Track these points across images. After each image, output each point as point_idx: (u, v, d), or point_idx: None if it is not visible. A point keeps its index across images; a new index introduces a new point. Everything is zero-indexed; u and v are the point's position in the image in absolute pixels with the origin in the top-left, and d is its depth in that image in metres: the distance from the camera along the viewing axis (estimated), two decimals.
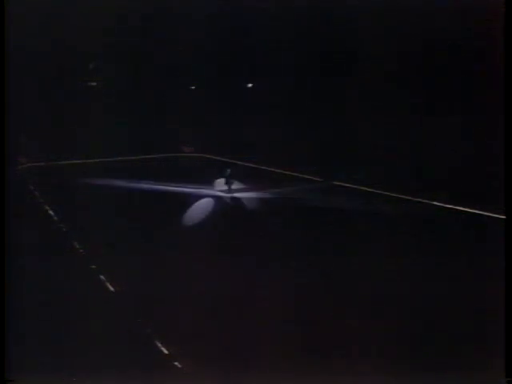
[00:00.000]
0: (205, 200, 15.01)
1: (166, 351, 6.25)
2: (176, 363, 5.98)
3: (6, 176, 7.02)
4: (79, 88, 23.63)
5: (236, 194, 15.73)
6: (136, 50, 23.02)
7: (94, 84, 24.35)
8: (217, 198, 15.28)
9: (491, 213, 12.09)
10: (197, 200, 14.84)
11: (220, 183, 16.28)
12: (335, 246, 10.55)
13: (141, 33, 22.37)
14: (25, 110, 20.10)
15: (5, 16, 6.98)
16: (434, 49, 15.42)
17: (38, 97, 21.72)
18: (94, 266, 9.25)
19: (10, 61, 7.93)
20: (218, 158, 23.03)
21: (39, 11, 19.03)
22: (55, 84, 22.29)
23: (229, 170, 16.20)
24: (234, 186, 16.03)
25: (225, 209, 14.21)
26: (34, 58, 21.03)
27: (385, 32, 16.34)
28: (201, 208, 14.01)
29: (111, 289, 8.27)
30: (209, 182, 16.90)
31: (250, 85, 23.56)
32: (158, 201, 15.36)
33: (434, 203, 13.83)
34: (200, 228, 12.09)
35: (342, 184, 17.14)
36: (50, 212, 13.46)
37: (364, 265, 9.14)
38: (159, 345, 6.38)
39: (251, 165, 21.14)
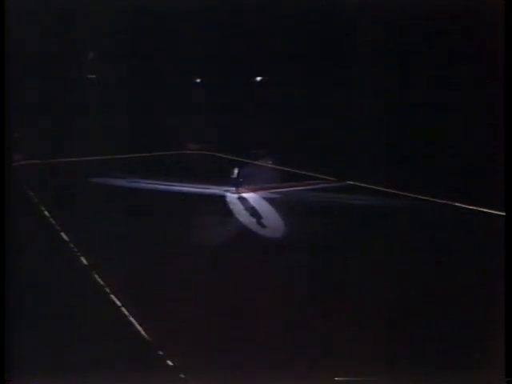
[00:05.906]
0: (211, 200, 15.30)
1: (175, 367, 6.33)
2: (181, 375, 6.11)
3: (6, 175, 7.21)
4: (80, 82, 23.62)
5: (244, 195, 16.01)
6: (142, 46, 23.29)
7: (94, 76, 24.40)
8: (223, 199, 15.54)
9: None
10: (203, 200, 15.12)
11: (227, 183, 16.55)
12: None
13: (150, 28, 22.61)
14: (22, 106, 20.16)
15: (4, 15, 7.27)
16: None
17: (37, 92, 21.79)
18: (89, 267, 9.60)
19: (11, 56, 8.20)
20: (227, 156, 23.24)
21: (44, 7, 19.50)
22: (55, 78, 22.34)
23: (236, 170, 16.44)
24: (241, 186, 16.30)
25: (230, 210, 14.44)
26: (36, 52, 21.34)
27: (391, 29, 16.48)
28: (206, 209, 14.29)
29: (111, 295, 8.49)
30: (216, 182, 17.06)
31: (259, 78, 23.80)
32: (158, 201, 15.43)
33: None
34: (203, 230, 12.18)
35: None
36: (46, 213, 13.66)
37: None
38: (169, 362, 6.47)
39: (260, 164, 21.38)
